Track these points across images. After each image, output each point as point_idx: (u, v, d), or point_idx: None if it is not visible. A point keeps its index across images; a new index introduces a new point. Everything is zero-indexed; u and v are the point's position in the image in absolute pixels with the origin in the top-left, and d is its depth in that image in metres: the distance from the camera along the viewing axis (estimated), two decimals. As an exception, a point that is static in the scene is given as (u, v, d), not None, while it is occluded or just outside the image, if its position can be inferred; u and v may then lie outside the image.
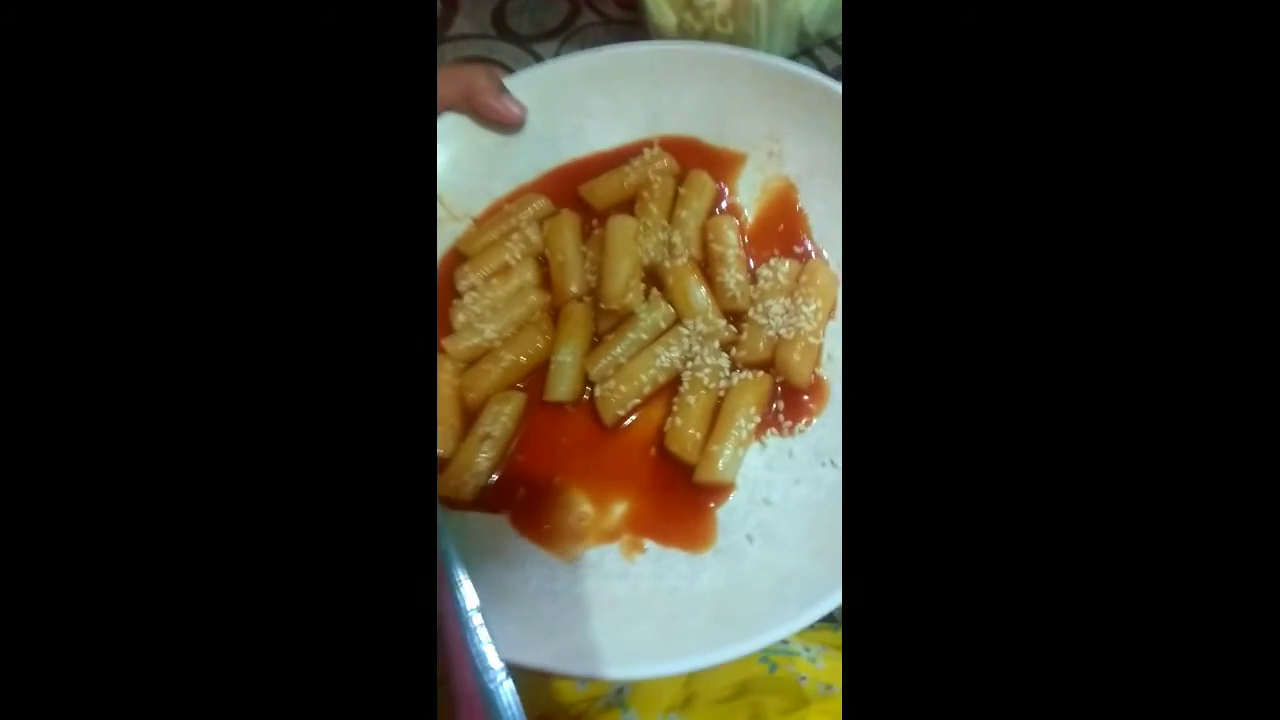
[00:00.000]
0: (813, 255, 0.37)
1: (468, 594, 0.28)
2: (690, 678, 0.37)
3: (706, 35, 0.59)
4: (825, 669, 0.39)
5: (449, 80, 0.41)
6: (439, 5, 0.70)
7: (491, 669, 0.26)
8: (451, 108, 0.41)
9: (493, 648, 0.27)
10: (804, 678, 0.38)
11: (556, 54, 0.65)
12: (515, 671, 0.27)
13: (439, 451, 0.35)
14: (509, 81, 0.41)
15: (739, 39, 0.58)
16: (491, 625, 0.27)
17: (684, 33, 0.58)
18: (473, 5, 0.70)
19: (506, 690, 0.26)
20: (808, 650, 0.41)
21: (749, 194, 0.40)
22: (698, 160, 0.40)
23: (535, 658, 0.28)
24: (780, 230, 0.38)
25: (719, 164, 0.40)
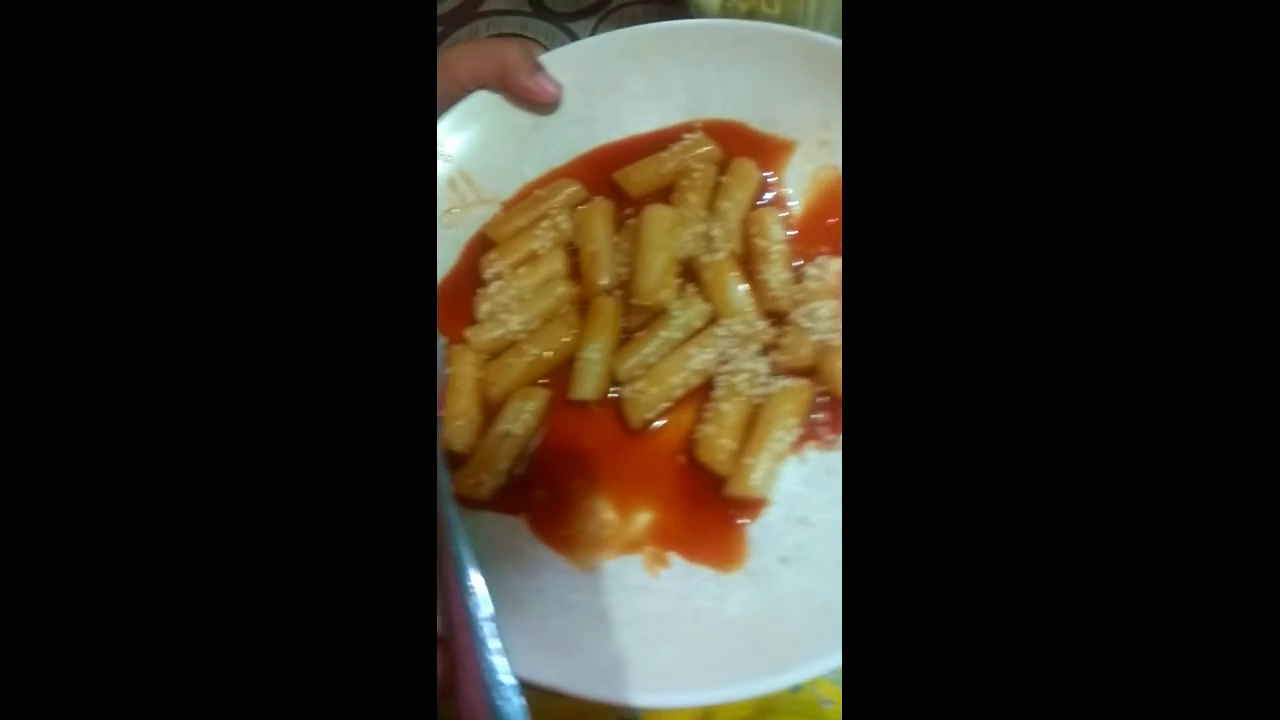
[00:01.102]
0: None
1: (480, 602, 0.26)
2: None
3: (751, 15, 0.58)
4: None
5: (482, 55, 0.40)
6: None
7: (502, 684, 0.25)
8: (484, 84, 0.40)
9: (505, 661, 0.25)
10: (828, 701, 0.37)
11: (593, 32, 0.64)
12: (526, 690, 0.25)
13: (457, 447, 0.34)
14: (545, 59, 0.40)
15: (786, 19, 0.56)
16: (503, 635, 0.26)
17: (728, 12, 0.57)
18: None
19: (516, 707, 0.25)
20: (832, 671, 0.40)
21: (797, 185, 0.38)
22: (742, 147, 0.39)
23: (547, 675, 0.27)
24: (830, 225, 0.37)
25: (765, 151, 0.39)
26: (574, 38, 0.65)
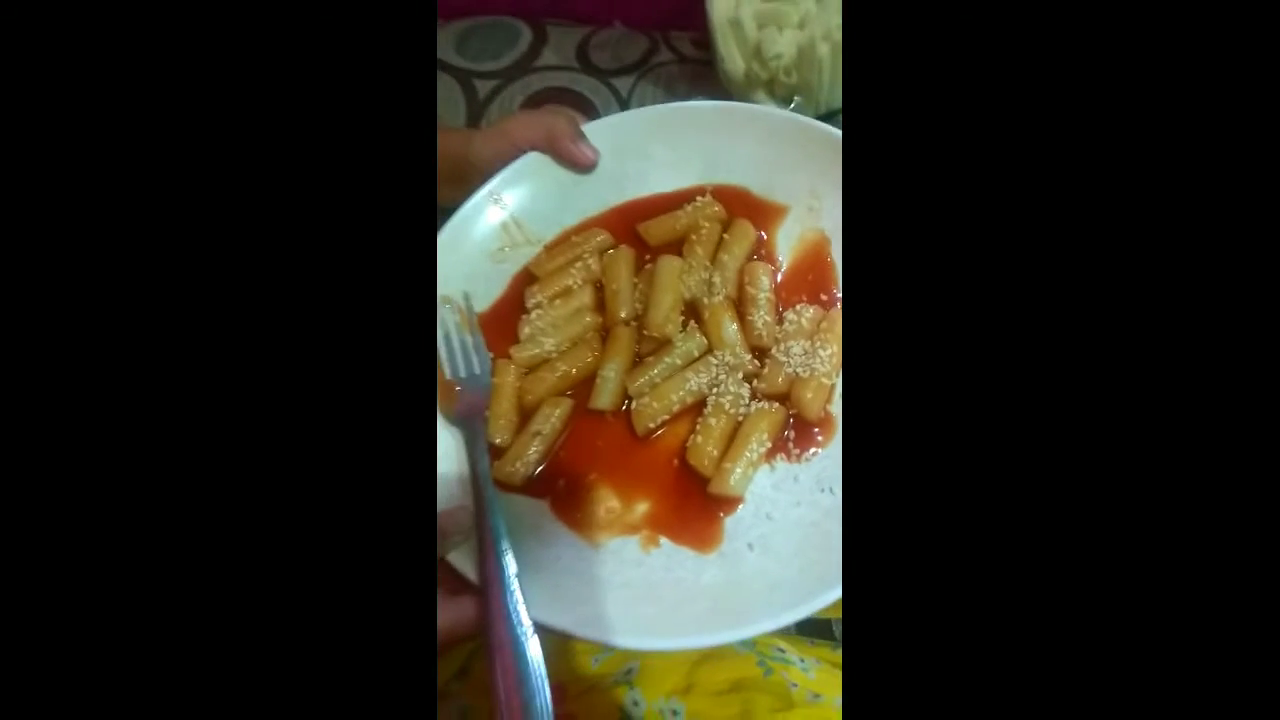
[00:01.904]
0: (836, 304, 0.40)
1: (509, 563, 0.33)
2: (692, 669, 0.40)
3: (772, 83, 0.61)
4: (816, 679, 0.42)
5: (535, 124, 0.46)
6: (530, 36, 0.76)
7: (522, 624, 0.31)
8: (536, 147, 0.46)
9: (525, 608, 0.31)
10: (795, 684, 0.41)
11: (632, 89, 0.69)
12: (541, 631, 0.31)
13: (498, 440, 0.39)
14: (586, 128, 0.46)
15: (803, 89, 0.59)
16: (525, 590, 0.32)
17: (751, 80, 0.61)
18: (560, 38, 0.75)
19: (534, 643, 0.30)
20: (803, 661, 0.43)
21: (787, 243, 0.42)
22: (743, 209, 0.43)
23: (559, 621, 0.32)
24: (810, 279, 0.41)
25: (762, 214, 0.43)
26: (615, 91, 0.69)
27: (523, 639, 0.31)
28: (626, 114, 0.47)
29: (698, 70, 0.69)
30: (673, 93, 0.69)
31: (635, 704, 0.38)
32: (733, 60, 0.61)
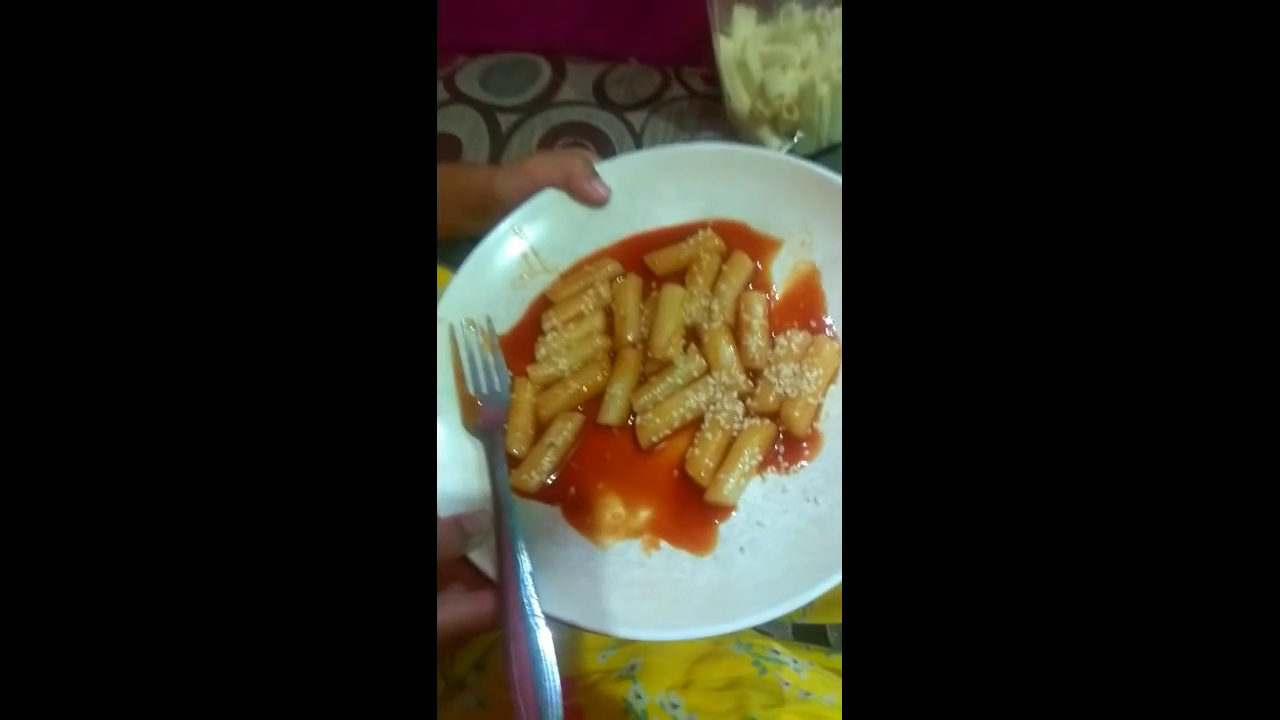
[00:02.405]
0: (824, 330, 0.42)
1: (524, 561, 0.36)
2: (691, 667, 0.42)
3: (775, 119, 0.64)
4: (807, 680, 0.44)
5: (552, 163, 0.49)
6: (550, 72, 0.80)
7: (535, 615, 0.34)
8: (553, 185, 0.49)
9: (537, 601, 0.35)
10: (787, 684, 0.42)
11: (645, 123, 0.72)
12: (552, 624, 0.34)
13: (515, 451, 0.41)
14: (599, 167, 0.49)
15: (804, 125, 0.63)
16: (538, 586, 0.34)
17: (756, 116, 0.64)
18: (578, 74, 0.78)
19: (545, 634, 0.33)
20: (796, 663, 0.46)
21: (780, 273, 0.45)
22: (741, 242, 0.45)
23: (568, 614, 0.34)
24: (801, 307, 0.43)
25: (758, 246, 0.45)
26: (629, 125, 0.73)
27: (535, 629, 0.34)
28: (636, 155, 0.50)
29: (707, 105, 0.72)
30: (683, 127, 0.72)
31: (638, 697, 0.40)
32: (739, 98, 0.65)
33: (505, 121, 0.75)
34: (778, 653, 0.46)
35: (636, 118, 0.73)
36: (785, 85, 0.62)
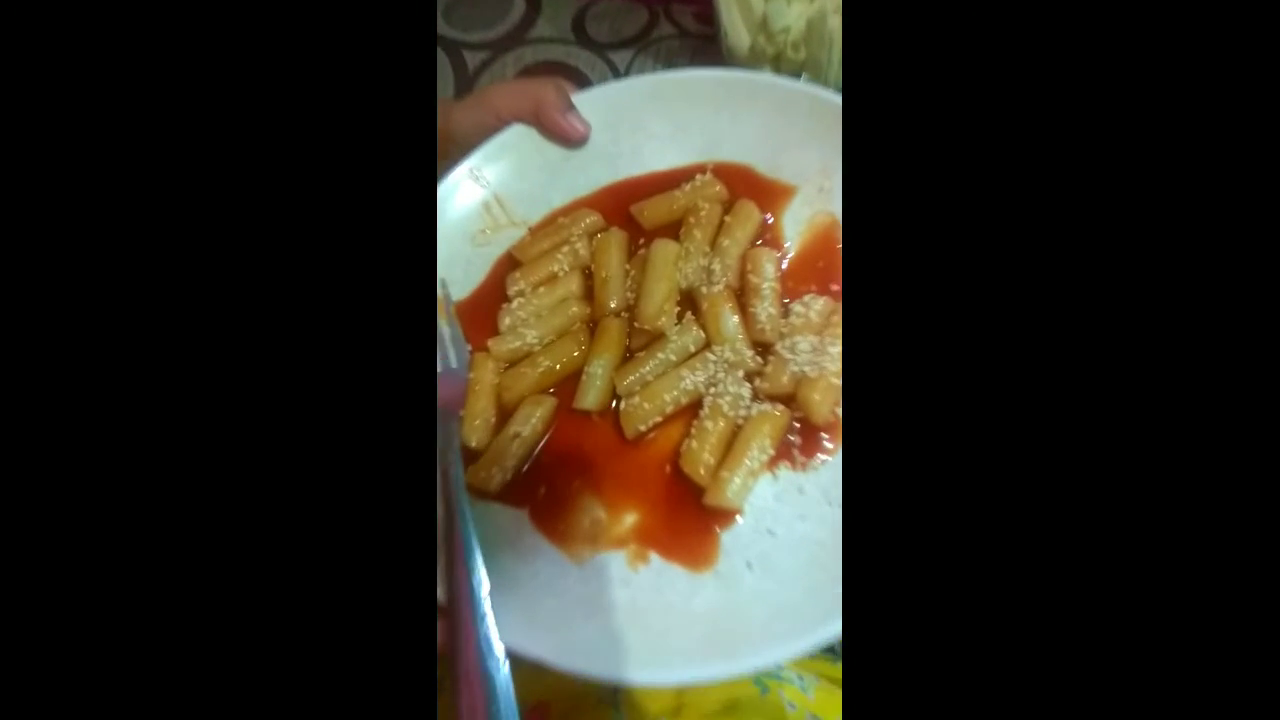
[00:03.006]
0: None
1: (481, 581, 0.30)
2: (682, 689, 0.38)
3: (778, 59, 0.59)
4: (815, 700, 0.40)
5: (519, 93, 0.43)
6: (523, 6, 0.72)
7: (494, 653, 0.28)
8: (521, 119, 0.43)
9: (497, 633, 0.29)
10: (793, 705, 0.39)
11: (630, 63, 0.67)
12: (514, 659, 0.29)
13: (473, 443, 0.37)
14: (576, 99, 0.43)
15: (810, 65, 0.58)
16: (498, 612, 0.29)
17: (756, 55, 0.58)
18: (555, 9, 0.72)
19: (504, 675, 0.28)
20: (801, 678, 0.42)
21: (794, 227, 0.40)
22: (747, 189, 0.41)
23: (534, 649, 0.30)
24: (819, 267, 0.38)
25: (768, 194, 0.41)
26: (612, 66, 0.67)
27: (494, 671, 0.28)
28: (621, 83, 0.44)
29: (700, 45, 0.67)
30: (673, 68, 0.66)
31: (622, 726, 0.37)
32: (737, 34, 0.58)
33: (472, 60, 0.69)
34: (781, 666, 0.42)
35: (620, 57, 0.68)
36: (790, 18, 0.55)
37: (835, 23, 0.54)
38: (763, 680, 0.40)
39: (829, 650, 0.48)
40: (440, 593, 0.30)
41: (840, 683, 0.43)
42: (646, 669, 0.30)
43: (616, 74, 0.67)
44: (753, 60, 0.59)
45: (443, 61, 0.70)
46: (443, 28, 0.71)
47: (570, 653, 0.30)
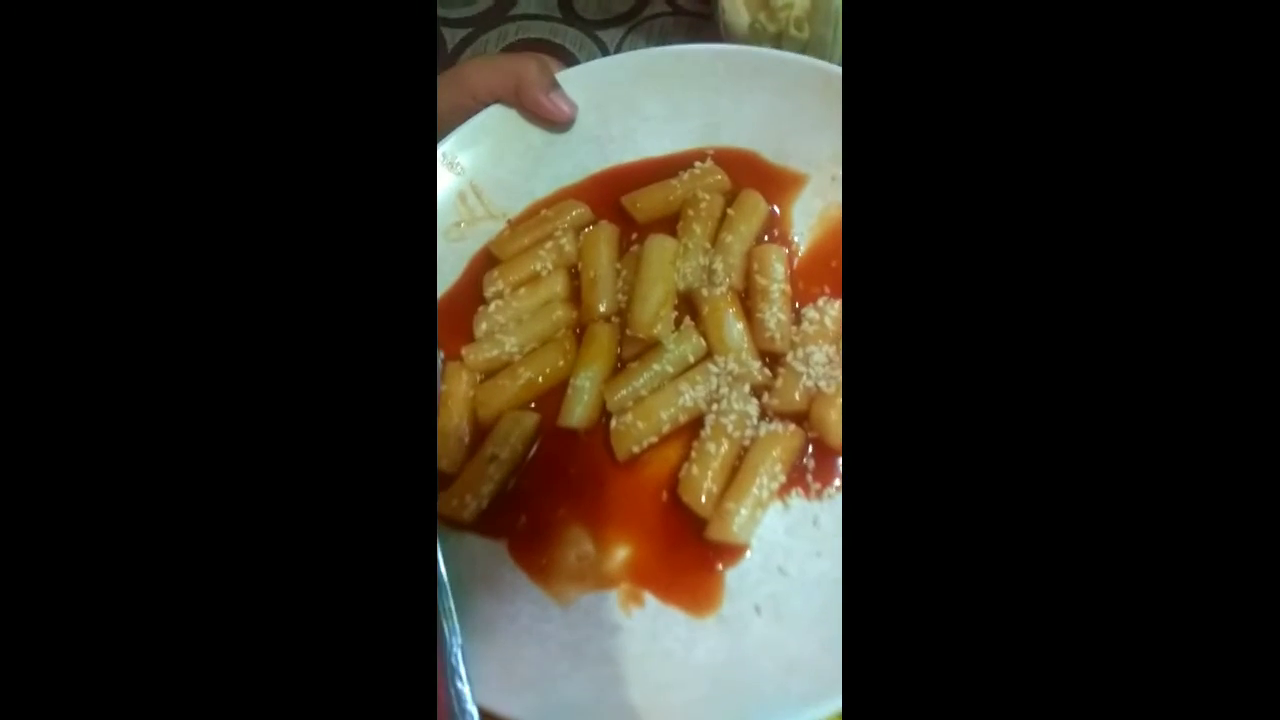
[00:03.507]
0: None
1: (454, 629, 0.27)
2: None
3: (779, 38, 0.58)
4: None
5: (499, 70, 0.40)
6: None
7: (470, 713, 0.26)
8: (499, 99, 0.40)
9: (470, 691, 0.26)
10: None
11: (620, 42, 0.65)
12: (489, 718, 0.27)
13: (444, 465, 0.34)
14: (561, 76, 0.40)
15: (814, 44, 0.56)
16: (471, 665, 0.27)
17: (756, 34, 0.57)
18: None
19: None
20: None
21: (805, 221, 0.38)
22: (752, 178, 0.39)
23: (513, 709, 0.28)
24: (834, 266, 0.36)
25: (775, 184, 0.39)
26: (602, 45, 0.65)
27: None
28: (611, 59, 0.42)
29: (696, 23, 0.65)
30: None
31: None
32: (735, 10, 0.57)
33: (452, 38, 0.67)
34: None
35: (611, 36, 0.66)
36: None
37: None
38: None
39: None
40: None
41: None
42: None
43: (606, 53, 0.65)
44: (752, 39, 0.57)
45: (419, 39, 0.67)
46: (420, 3, 0.69)
47: (552, 713, 0.28)
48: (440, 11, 0.67)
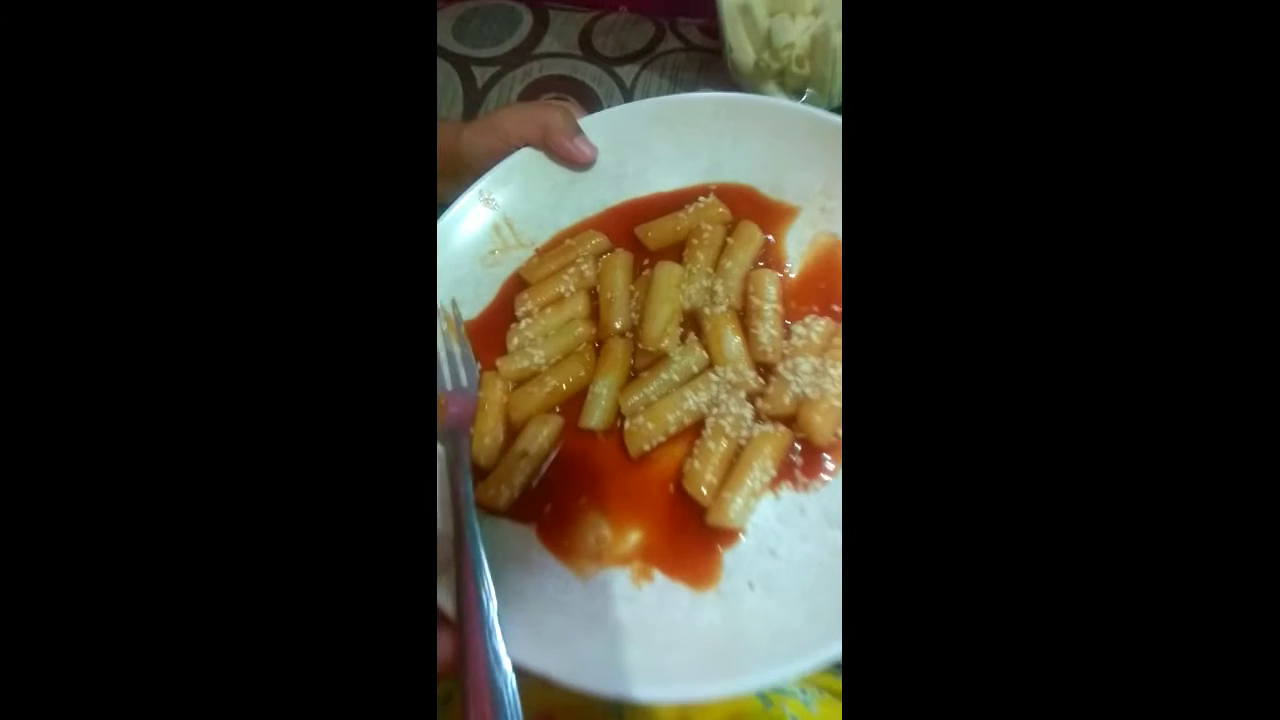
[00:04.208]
0: None
1: (490, 596, 0.30)
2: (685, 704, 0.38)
3: (783, 75, 0.59)
4: (818, 714, 0.40)
5: (529, 118, 0.43)
6: (531, 21, 0.73)
7: (503, 668, 0.29)
8: (529, 143, 0.43)
9: (505, 648, 0.29)
10: (796, 718, 0.39)
11: (636, 77, 0.67)
12: (521, 672, 0.29)
13: (482, 461, 0.37)
14: (584, 123, 0.43)
15: (814, 81, 0.58)
16: (506, 627, 0.30)
17: (761, 70, 0.59)
18: (562, 24, 0.72)
19: (512, 688, 0.28)
20: (804, 693, 0.41)
21: (797, 248, 0.40)
22: (750, 210, 0.41)
23: (540, 664, 0.30)
24: (821, 288, 0.38)
25: (771, 215, 0.41)
26: (618, 80, 0.67)
27: (502, 684, 0.29)
28: (626, 107, 0.44)
29: (705, 59, 0.67)
30: (679, 83, 0.66)
31: (626, 739, 0.36)
32: (742, 49, 0.58)
33: (481, 75, 0.69)
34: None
35: (627, 72, 0.68)
36: (794, 34, 0.56)
37: (839, 39, 0.54)
38: (766, 695, 0.40)
39: (834, 665, 0.48)
40: (450, 607, 0.31)
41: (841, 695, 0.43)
42: (649, 686, 0.30)
43: (623, 88, 0.67)
44: (757, 75, 0.59)
45: (453, 77, 0.70)
46: (453, 44, 0.72)
47: (575, 669, 0.30)
48: (471, 51, 0.70)
